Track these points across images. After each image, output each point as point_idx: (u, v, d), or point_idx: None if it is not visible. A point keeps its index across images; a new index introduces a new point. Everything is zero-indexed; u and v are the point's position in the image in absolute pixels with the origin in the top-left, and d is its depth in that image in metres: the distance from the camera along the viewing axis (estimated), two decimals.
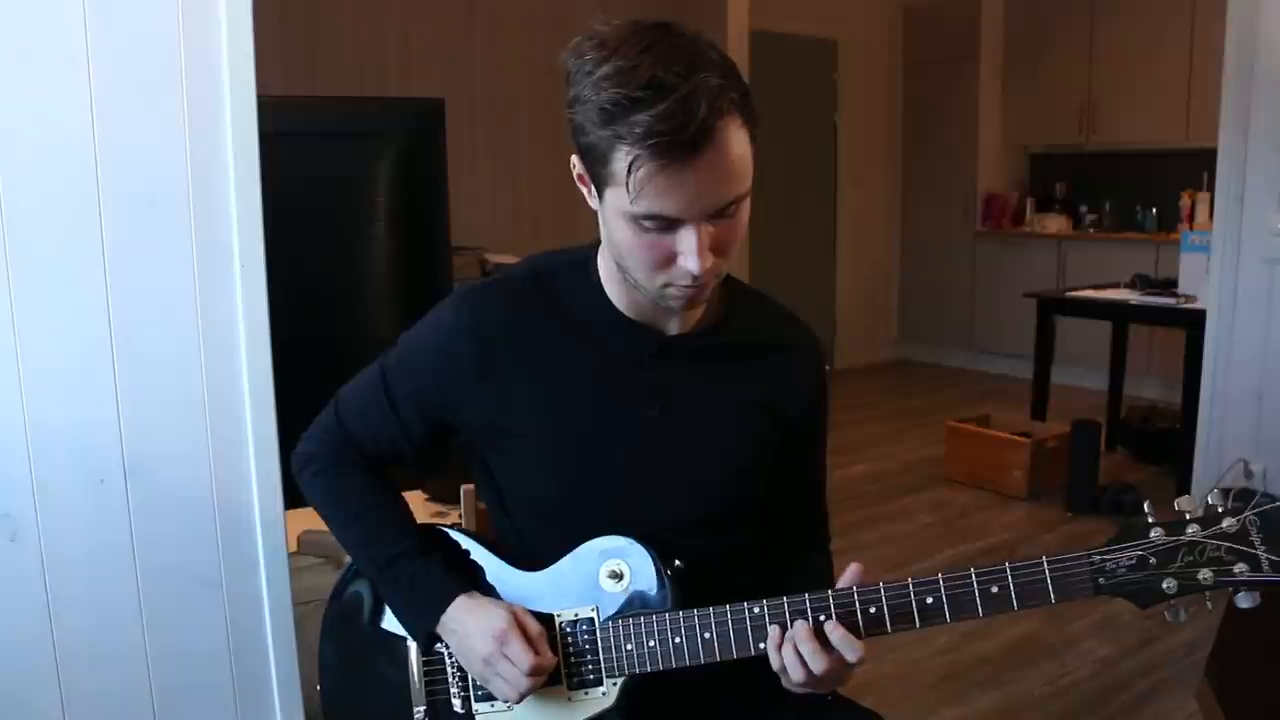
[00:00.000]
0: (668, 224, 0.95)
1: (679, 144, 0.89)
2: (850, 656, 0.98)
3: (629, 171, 0.91)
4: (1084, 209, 6.03)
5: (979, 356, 6.34)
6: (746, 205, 1.00)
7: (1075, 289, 4.51)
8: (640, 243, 0.97)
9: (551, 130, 4.83)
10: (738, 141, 0.94)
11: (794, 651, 0.99)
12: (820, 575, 1.21)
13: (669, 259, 0.98)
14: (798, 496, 1.24)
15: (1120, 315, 4.28)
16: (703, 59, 0.92)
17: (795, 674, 0.99)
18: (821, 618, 1.00)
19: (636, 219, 0.95)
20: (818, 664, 0.98)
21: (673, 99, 0.88)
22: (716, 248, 0.98)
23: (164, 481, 1.46)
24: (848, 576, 1.02)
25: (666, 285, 1.01)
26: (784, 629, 1.01)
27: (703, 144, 0.90)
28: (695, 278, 0.98)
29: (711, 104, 0.90)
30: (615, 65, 0.91)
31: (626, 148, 0.91)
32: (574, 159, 1.01)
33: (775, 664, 1.01)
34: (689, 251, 0.96)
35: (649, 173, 0.91)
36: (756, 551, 1.23)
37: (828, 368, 1.25)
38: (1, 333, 1.34)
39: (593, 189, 1.00)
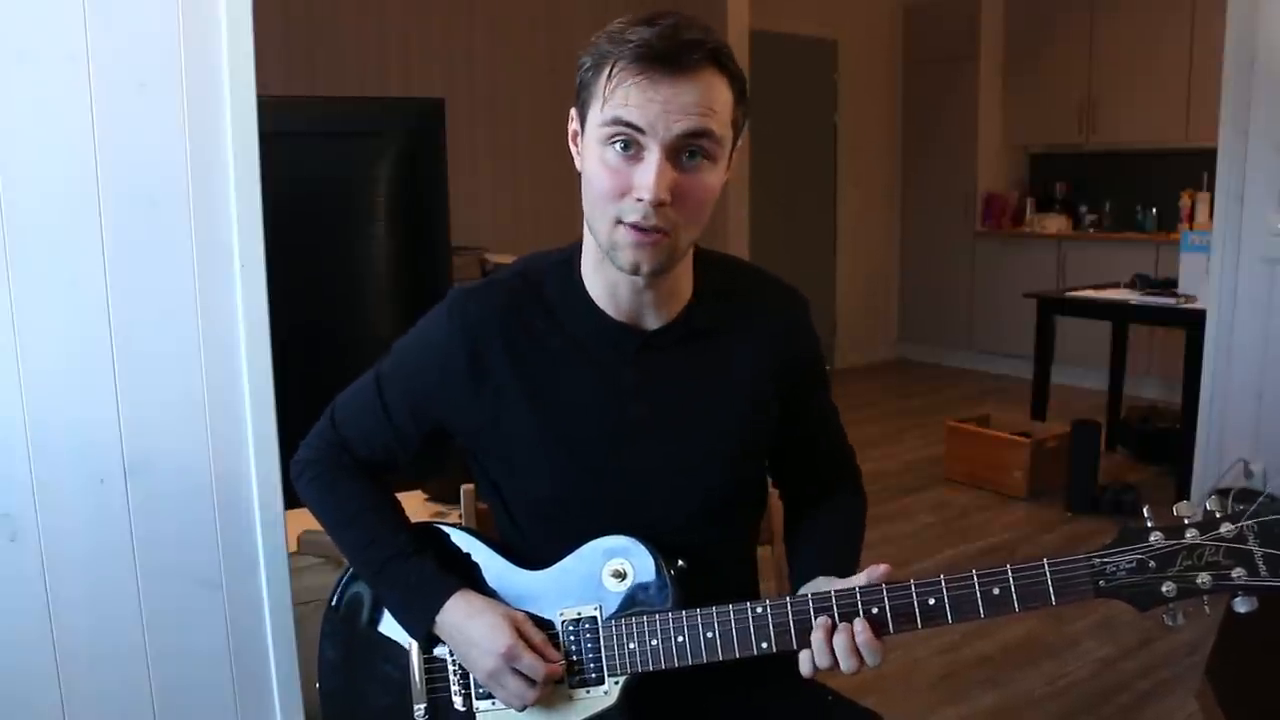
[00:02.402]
0: (632, 146, 0.97)
1: (661, 56, 0.95)
2: (871, 661, 0.99)
3: (609, 79, 0.97)
4: (1084, 209, 6.03)
5: (979, 356, 6.33)
6: (715, 169, 1.01)
7: (1075, 289, 4.50)
8: (603, 171, 0.99)
9: (551, 130, 4.79)
10: (719, 90, 0.99)
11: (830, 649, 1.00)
12: (852, 517, 1.24)
13: (626, 189, 0.99)
14: (816, 442, 1.24)
15: (1120, 315, 4.27)
16: (712, 32, 0.98)
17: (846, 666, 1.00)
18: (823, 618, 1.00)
19: (605, 136, 0.98)
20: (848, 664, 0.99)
21: (667, 23, 0.96)
22: (678, 198, 0.98)
23: (164, 481, 1.46)
24: (864, 577, 1.02)
25: (619, 222, 0.99)
26: (832, 620, 1.00)
27: (683, 66, 0.96)
28: (646, 214, 0.98)
29: (703, 42, 0.96)
30: (626, 18, 0.99)
31: (614, 59, 0.97)
32: (571, 113, 1.05)
33: (823, 660, 1.00)
34: (644, 181, 0.97)
35: (626, 76, 0.96)
36: (788, 504, 1.26)
37: (825, 361, 1.24)
38: (1, 333, 1.34)
39: (581, 139, 1.03)
